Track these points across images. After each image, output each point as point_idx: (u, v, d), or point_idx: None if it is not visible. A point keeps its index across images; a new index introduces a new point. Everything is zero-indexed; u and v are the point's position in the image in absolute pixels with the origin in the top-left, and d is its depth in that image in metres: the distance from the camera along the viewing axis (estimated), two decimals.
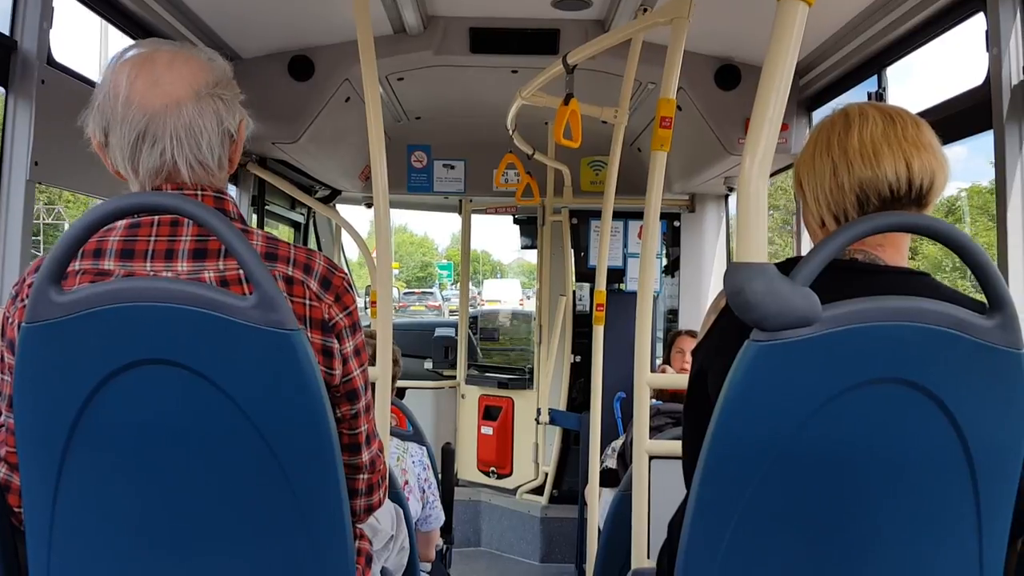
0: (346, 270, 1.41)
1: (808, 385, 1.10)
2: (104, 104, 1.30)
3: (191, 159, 1.32)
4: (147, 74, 1.29)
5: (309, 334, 1.30)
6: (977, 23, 2.38)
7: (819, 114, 3.62)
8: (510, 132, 3.88)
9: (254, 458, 1.16)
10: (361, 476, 1.45)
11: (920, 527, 1.18)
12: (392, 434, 2.78)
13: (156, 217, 1.30)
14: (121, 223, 1.30)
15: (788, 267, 1.13)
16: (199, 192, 1.33)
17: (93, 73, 2.44)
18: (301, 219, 5.34)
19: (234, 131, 1.38)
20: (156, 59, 1.31)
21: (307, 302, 1.32)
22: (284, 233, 5.31)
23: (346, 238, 5.61)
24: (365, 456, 1.45)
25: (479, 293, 38.11)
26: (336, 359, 1.34)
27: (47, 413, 1.16)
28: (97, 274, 1.25)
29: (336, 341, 1.34)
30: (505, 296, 32.85)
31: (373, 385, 1.68)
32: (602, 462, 3.63)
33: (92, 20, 2.62)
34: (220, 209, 1.34)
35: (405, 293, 33.42)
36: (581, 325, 5.24)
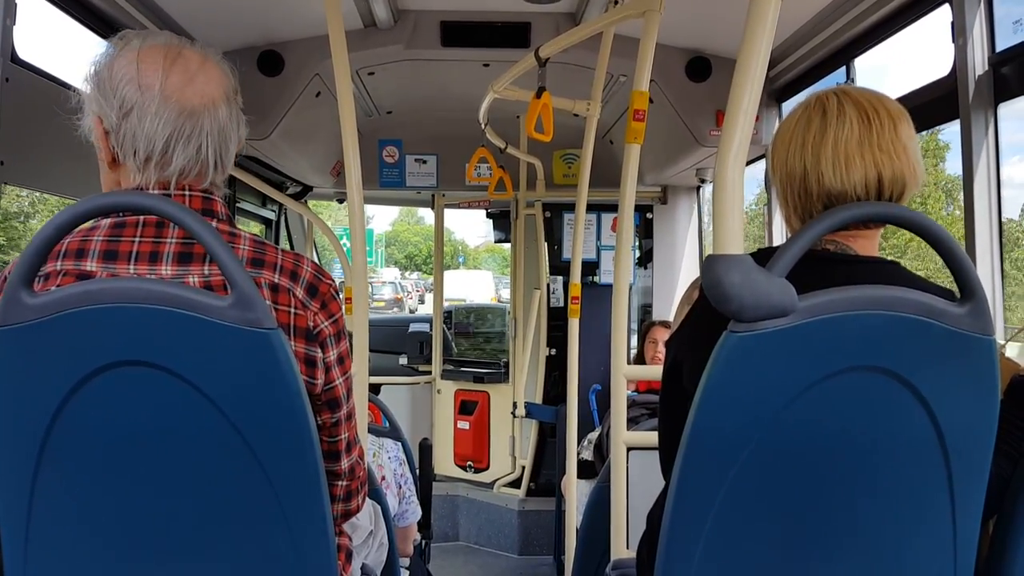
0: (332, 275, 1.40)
1: (786, 374, 1.11)
2: (127, 92, 1.26)
3: (218, 160, 1.33)
4: (181, 71, 1.28)
5: (292, 343, 1.28)
6: (943, 14, 2.42)
7: (789, 105, 3.65)
8: (482, 126, 3.87)
9: (234, 458, 1.15)
10: (340, 483, 1.44)
11: (896, 511, 1.20)
12: (368, 430, 2.78)
13: (141, 217, 1.27)
14: (105, 222, 1.27)
15: (759, 257, 1.14)
16: (186, 193, 1.31)
17: (59, 71, 2.40)
18: (272, 216, 5.30)
19: (243, 137, 1.40)
20: (188, 57, 1.30)
21: (292, 310, 1.29)
22: (255, 231, 5.27)
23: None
24: (344, 463, 1.43)
25: (426, 288, 30.98)
26: (318, 368, 1.32)
27: (20, 417, 1.14)
28: (79, 276, 1.23)
29: (319, 350, 1.32)
30: (472, 292, 26.33)
31: None
32: (578, 454, 3.64)
33: (57, 17, 2.57)
34: (208, 209, 1.32)
35: None
36: (555, 318, 5.25)
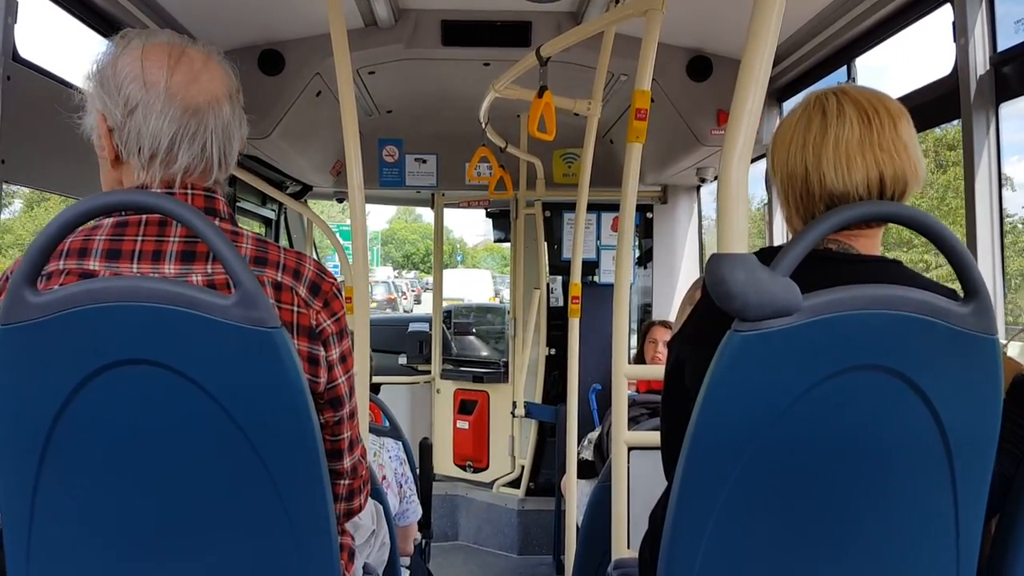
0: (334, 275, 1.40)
1: (790, 373, 1.11)
2: (131, 90, 1.27)
3: (222, 158, 1.33)
4: (186, 68, 1.29)
5: (295, 341, 1.28)
6: (944, 14, 2.42)
7: (790, 105, 3.65)
8: (483, 125, 3.87)
9: (237, 456, 1.15)
10: (342, 481, 1.44)
11: (899, 509, 1.20)
12: (368, 430, 2.77)
13: (144, 216, 1.27)
14: (108, 221, 1.27)
15: (762, 257, 1.14)
16: (189, 191, 1.31)
17: (61, 69, 2.40)
18: (272, 215, 5.30)
19: (245, 136, 1.40)
20: (192, 55, 1.31)
21: (295, 309, 1.29)
22: (255, 230, 5.27)
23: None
24: (347, 462, 1.43)
25: (423, 288, 30.38)
26: (321, 367, 1.33)
27: (24, 416, 1.14)
28: (82, 275, 1.22)
29: (322, 348, 1.33)
30: (470, 291, 25.08)
31: None
32: (578, 454, 3.64)
33: (58, 15, 2.57)
34: (211, 208, 1.32)
35: None
36: (555, 318, 5.25)
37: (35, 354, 1.12)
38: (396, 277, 33.78)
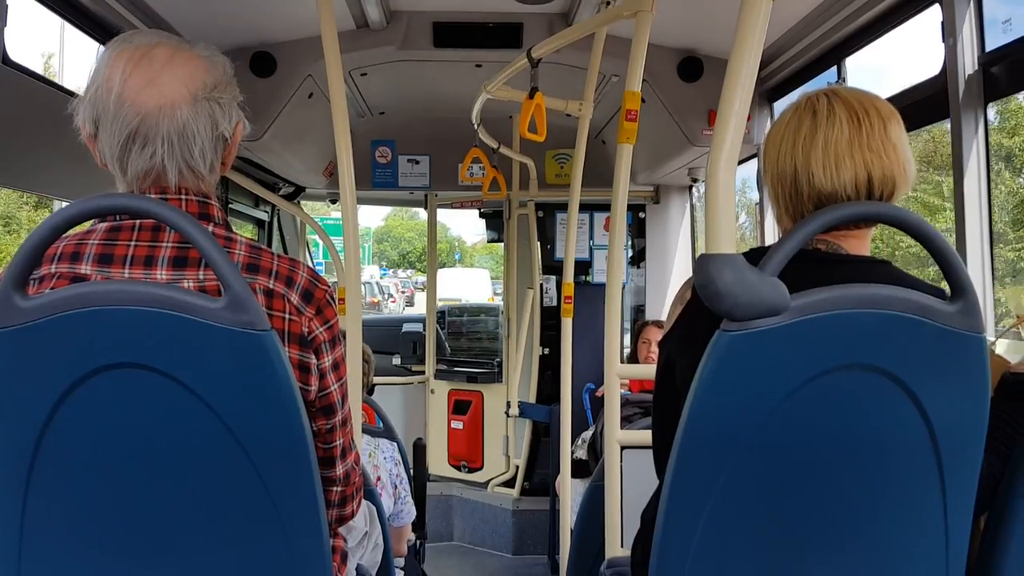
0: (325, 277, 1.38)
1: (778, 373, 1.12)
2: (97, 97, 1.25)
3: (181, 164, 1.27)
4: (143, 71, 1.24)
5: (287, 349, 1.26)
6: (933, 14, 2.43)
7: (780, 104, 3.66)
8: (475, 126, 3.87)
9: (228, 460, 1.15)
10: (335, 488, 1.44)
11: (888, 507, 1.21)
12: (363, 431, 2.78)
13: (138, 222, 1.26)
14: (101, 226, 1.26)
15: (752, 257, 1.14)
16: (183, 197, 1.29)
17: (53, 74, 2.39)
18: (265, 217, 5.29)
19: (229, 135, 1.32)
20: (154, 55, 1.25)
21: (286, 316, 1.28)
22: (248, 231, 5.26)
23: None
24: (339, 469, 1.43)
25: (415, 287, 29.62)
26: (313, 374, 1.32)
27: (13, 421, 1.14)
28: (74, 279, 1.22)
29: (314, 356, 1.32)
30: (468, 291, 24.11)
31: None
32: (572, 453, 3.65)
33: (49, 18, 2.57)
34: (205, 214, 1.31)
35: None
36: (548, 317, 5.26)
37: (24, 358, 1.12)
38: (382, 277, 31.96)
